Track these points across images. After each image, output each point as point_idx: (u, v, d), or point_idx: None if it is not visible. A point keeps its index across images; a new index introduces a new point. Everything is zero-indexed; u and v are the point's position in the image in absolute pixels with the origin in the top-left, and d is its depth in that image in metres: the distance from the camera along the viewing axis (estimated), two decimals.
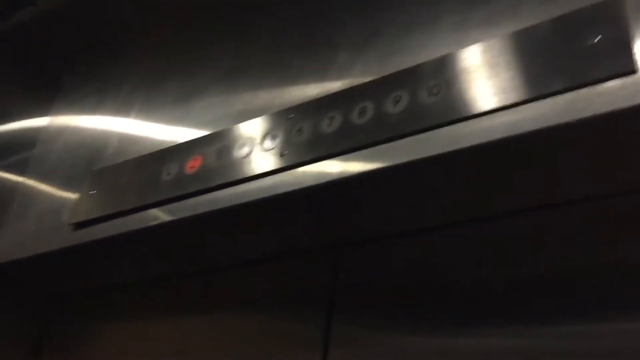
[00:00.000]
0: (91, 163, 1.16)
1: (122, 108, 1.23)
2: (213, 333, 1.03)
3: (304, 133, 0.85)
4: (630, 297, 0.72)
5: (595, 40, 0.67)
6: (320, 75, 0.93)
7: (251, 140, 0.91)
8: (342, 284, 0.93)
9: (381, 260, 0.93)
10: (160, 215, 0.93)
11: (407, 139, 0.75)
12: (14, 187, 1.30)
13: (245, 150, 0.90)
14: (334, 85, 0.89)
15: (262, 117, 0.93)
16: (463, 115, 0.72)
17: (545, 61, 0.69)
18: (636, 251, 0.74)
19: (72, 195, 1.14)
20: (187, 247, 1.02)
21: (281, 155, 0.85)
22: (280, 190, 0.82)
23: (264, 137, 0.90)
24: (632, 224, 0.75)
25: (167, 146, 1.04)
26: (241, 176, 0.88)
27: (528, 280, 0.80)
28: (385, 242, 0.93)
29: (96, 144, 1.20)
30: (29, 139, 1.39)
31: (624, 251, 0.75)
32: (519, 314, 0.79)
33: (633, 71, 0.62)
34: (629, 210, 0.75)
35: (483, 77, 0.73)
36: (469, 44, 0.77)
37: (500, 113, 0.69)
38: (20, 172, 1.33)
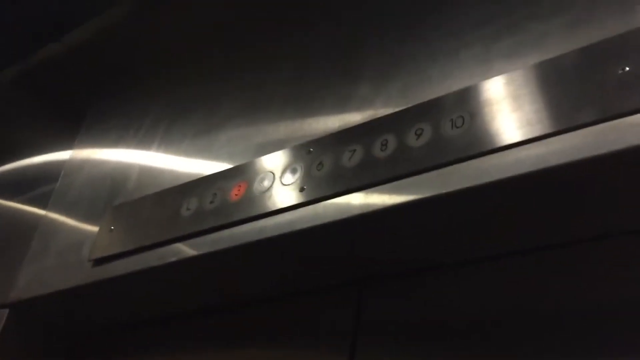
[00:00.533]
0: (112, 197, 1.16)
1: (143, 141, 1.24)
2: None
3: (324, 167, 0.83)
4: None
5: (624, 71, 0.64)
6: (341, 107, 0.92)
7: (271, 175, 0.89)
8: (364, 320, 0.90)
9: (404, 296, 0.90)
10: (180, 250, 0.92)
11: (430, 173, 0.73)
12: (36, 221, 1.30)
13: (264, 184, 0.89)
14: (355, 118, 0.88)
15: (282, 150, 0.92)
16: (488, 148, 0.70)
17: (572, 92, 0.67)
18: None
19: (93, 229, 1.13)
20: (207, 283, 1.00)
21: (301, 190, 0.84)
22: (300, 226, 0.81)
23: (283, 171, 0.88)
24: None
25: (187, 180, 1.03)
26: (261, 211, 0.86)
27: (557, 317, 0.77)
28: (407, 278, 0.90)
29: (117, 177, 1.20)
30: (51, 172, 1.41)
31: None
32: (549, 352, 0.75)
33: None
34: None
35: (508, 109, 0.71)
36: (493, 76, 0.75)
37: (527, 146, 0.67)
38: (42, 206, 1.33)
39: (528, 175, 0.65)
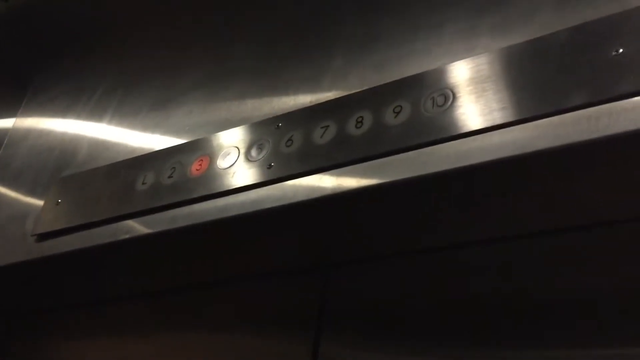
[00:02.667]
0: (59, 169, 1.08)
1: (94, 112, 1.15)
2: (192, 354, 0.95)
3: (294, 143, 0.78)
4: None
5: (618, 52, 0.61)
6: (313, 81, 0.86)
7: (235, 150, 0.84)
8: (330, 304, 0.86)
9: (371, 281, 0.86)
10: (134, 227, 0.86)
11: (407, 154, 0.69)
12: None
13: (228, 160, 0.83)
14: (328, 93, 0.83)
15: (248, 125, 0.86)
16: (471, 129, 0.66)
17: (562, 73, 0.64)
18: None
19: (37, 203, 1.05)
20: (163, 263, 0.94)
21: (268, 167, 0.78)
22: (267, 205, 0.75)
23: (249, 147, 0.83)
24: None
25: (143, 154, 0.96)
26: (224, 188, 0.80)
27: (522, 303, 0.75)
28: (375, 263, 0.87)
29: (65, 149, 1.12)
30: None
31: None
32: (509, 338, 0.74)
33: None
34: None
35: (493, 88, 0.67)
36: (478, 53, 0.71)
37: (513, 128, 0.63)
38: None
39: (514, 159, 0.62)
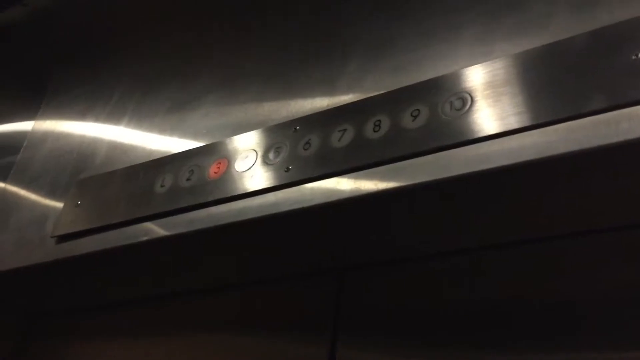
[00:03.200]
0: (78, 171, 1.09)
1: (112, 114, 1.17)
2: (208, 356, 0.96)
3: (312, 147, 0.79)
4: None
5: (637, 57, 0.61)
6: (329, 85, 0.87)
7: (254, 153, 0.84)
8: (347, 307, 0.86)
9: (387, 284, 0.87)
10: (153, 230, 0.87)
11: (425, 157, 0.69)
12: None
13: (246, 163, 0.84)
14: (344, 97, 0.83)
15: (266, 128, 0.86)
16: (489, 133, 0.66)
17: (580, 77, 0.64)
18: None
19: (56, 205, 1.07)
20: (181, 265, 0.95)
21: (286, 170, 0.79)
22: (285, 208, 0.76)
23: (267, 150, 0.83)
24: None
25: (161, 156, 0.97)
26: (242, 191, 0.81)
27: (537, 307, 0.75)
28: (392, 266, 0.87)
29: (84, 151, 1.13)
30: (13, 143, 1.32)
31: None
32: (524, 342, 0.74)
33: None
34: None
35: (511, 92, 0.67)
36: (495, 57, 0.71)
37: (532, 132, 0.64)
38: (2, 178, 1.25)
39: (533, 163, 0.62)
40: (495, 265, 0.80)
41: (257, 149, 0.84)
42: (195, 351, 0.99)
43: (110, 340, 1.10)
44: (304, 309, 0.90)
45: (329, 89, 0.86)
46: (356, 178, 0.73)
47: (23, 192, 1.17)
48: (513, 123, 0.65)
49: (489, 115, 0.67)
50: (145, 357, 1.03)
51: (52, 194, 1.10)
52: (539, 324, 0.73)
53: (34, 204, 1.12)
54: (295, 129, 0.83)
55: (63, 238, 0.97)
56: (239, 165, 0.84)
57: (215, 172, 0.86)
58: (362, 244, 0.84)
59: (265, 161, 0.82)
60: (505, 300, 0.77)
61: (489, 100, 0.68)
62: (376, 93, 0.79)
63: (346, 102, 0.82)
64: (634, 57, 0.61)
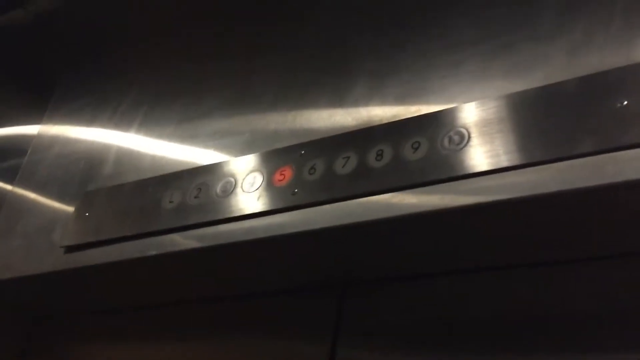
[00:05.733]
0: (86, 180, 1.13)
1: (120, 124, 1.20)
2: None
3: (317, 172, 0.83)
4: None
5: (622, 104, 0.66)
6: (334, 107, 0.91)
7: (260, 174, 0.88)
8: (347, 323, 0.91)
9: (385, 300, 0.92)
10: (162, 244, 0.91)
11: (424, 188, 0.74)
12: (1, 196, 1.25)
13: (253, 183, 0.88)
14: (348, 119, 0.88)
15: (273, 150, 0.91)
16: (485, 169, 0.70)
17: (571, 120, 0.68)
18: None
19: (64, 213, 1.10)
20: (187, 277, 0.99)
21: (293, 193, 0.83)
22: (292, 230, 0.80)
23: (274, 172, 0.87)
24: None
25: (169, 171, 1.01)
26: (249, 211, 0.85)
27: (534, 326, 0.80)
28: (389, 283, 0.92)
29: (92, 159, 1.17)
30: (18, 146, 1.35)
31: None
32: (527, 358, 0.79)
33: None
34: None
35: (507, 130, 0.72)
36: (492, 94, 0.76)
37: (524, 170, 0.68)
38: (9, 181, 1.28)
39: (525, 200, 0.67)
40: (493, 285, 0.84)
41: (264, 171, 0.88)
42: (197, 357, 1.03)
43: (114, 343, 1.14)
44: (305, 322, 0.94)
45: (334, 113, 0.90)
46: (359, 204, 0.77)
47: (31, 198, 1.20)
48: (506, 161, 0.69)
49: (485, 151, 0.72)
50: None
51: (60, 201, 1.14)
52: (538, 342, 0.77)
53: (41, 211, 1.15)
54: (301, 153, 0.87)
55: (72, 248, 1.01)
56: (246, 186, 0.88)
57: (223, 191, 0.90)
58: (363, 262, 0.88)
59: (272, 183, 0.86)
60: (504, 318, 0.82)
61: (486, 137, 0.73)
62: (379, 120, 0.84)
63: (350, 127, 0.86)
64: (619, 105, 0.66)
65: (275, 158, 0.89)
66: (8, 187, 1.27)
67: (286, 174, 0.86)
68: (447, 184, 0.72)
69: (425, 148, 0.76)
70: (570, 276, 0.79)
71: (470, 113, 0.76)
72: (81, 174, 1.15)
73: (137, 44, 1.32)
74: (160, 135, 1.11)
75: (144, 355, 1.08)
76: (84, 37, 1.37)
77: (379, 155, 0.79)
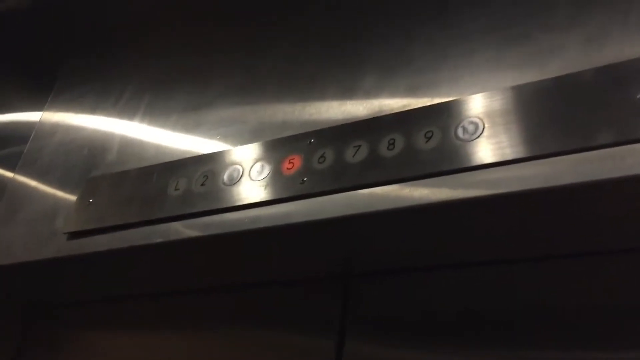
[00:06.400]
0: (89, 167, 1.12)
1: (124, 112, 1.19)
2: (213, 353, 1.00)
3: (326, 160, 0.82)
4: None
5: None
6: (344, 97, 0.89)
7: (268, 162, 0.87)
8: (353, 313, 0.90)
9: (393, 290, 0.91)
10: (167, 231, 0.89)
11: (437, 178, 0.73)
12: (2, 183, 1.24)
13: (261, 172, 0.87)
14: (359, 109, 0.86)
15: (281, 138, 0.89)
16: (499, 160, 0.69)
17: (588, 111, 0.67)
18: None
19: (66, 198, 1.09)
20: (192, 265, 0.98)
21: (301, 182, 0.82)
22: (300, 219, 0.79)
23: (282, 160, 0.86)
24: None
25: (173, 158, 0.99)
26: (256, 200, 0.84)
27: (540, 318, 0.79)
28: (397, 273, 0.91)
29: (95, 147, 1.15)
30: (20, 133, 1.34)
31: None
32: (530, 351, 0.78)
33: None
34: None
35: (522, 121, 0.71)
36: (505, 84, 0.75)
37: (538, 162, 0.67)
38: (11, 168, 1.27)
39: (540, 192, 0.66)
40: (499, 277, 0.84)
41: (272, 159, 0.87)
42: (200, 348, 1.02)
43: (114, 332, 1.13)
44: (312, 312, 0.93)
45: (344, 103, 0.89)
46: (370, 193, 0.76)
47: (33, 185, 1.19)
48: (521, 152, 0.68)
49: (500, 142, 0.70)
50: (151, 350, 1.07)
51: (62, 188, 1.12)
52: (543, 334, 0.77)
53: (44, 197, 1.14)
54: (310, 141, 0.86)
55: (75, 235, 1.00)
56: (253, 174, 0.87)
57: (229, 179, 0.89)
58: (371, 252, 0.87)
59: (280, 171, 0.85)
60: (508, 310, 0.81)
61: (500, 128, 0.71)
62: (390, 110, 0.83)
63: (360, 117, 0.85)
64: (639, 96, 0.65)
65: (283, 146, 0.88)
66: (10, 174, 1.26)
67: (295, 163, 0.84)
68: (459, 174, 0.71)
69: (438, 138, 0.75)
70: (581, 270, 0.78)
71: (485, 103, 0.75)
72: (84, 162, 1.14)
73: (141, 30, 1.30)
74: (164, 123, 1.09)
75: (145, 344, 1.07)
76: (88, 24, 1.35)
77: (391, 144, 0.78)
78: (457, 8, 0.88)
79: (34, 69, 1.49)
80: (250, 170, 0.88)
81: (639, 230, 0.71)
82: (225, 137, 0.98)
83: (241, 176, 0.88)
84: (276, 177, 0.85)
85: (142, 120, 1.14)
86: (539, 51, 0.76)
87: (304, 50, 1.01)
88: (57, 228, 1.03)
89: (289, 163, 0.85)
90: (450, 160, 0.73)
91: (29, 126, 1.35)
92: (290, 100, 0.96)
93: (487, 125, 0.72)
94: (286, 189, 0.83)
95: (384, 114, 0.83)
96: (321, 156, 0.83)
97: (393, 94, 0.85)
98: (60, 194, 1.12)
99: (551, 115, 0.69)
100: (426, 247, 0.83)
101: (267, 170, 0.86)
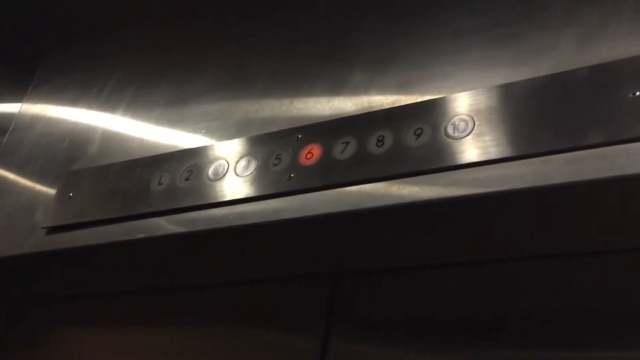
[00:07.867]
0: (69, 161, 1.09)
1: (106, 105, 1.16)
2: (199, 351, 0.98)
3: (314, 156, 0.80)
4: None
5: (634, 95, 0.64)
6: (332, 93, 0.88)
7: (254, 158, 0.85)
8: (339, 312, 0.89)
9: (380, 291, 0.90)
10: (150, 227, 0.87)
11: (425, 176, 0.72)
12: None
13: (247, 167, 0.85)
14: (347, 105, 0.85)
15: (268, 133, 0.88)
16: (489, 158, 0.68)
17: (580, 110, 0.67)
18: None
19: (45, 191, 1.07)
20: (175, 262, 0.96)
21: (288, 178, 0.80)
22: (286, 216, 0.77)
23: (269, 156, 0.84)
24: None
25: (157, 152, 0.97)
26: (241, 196, 0.82)
27: (527, 318, 0.79)
28: (385, 275, 0.90)
29: (76, 140, 1.13)
30: (0, 124, 1.30)
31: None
32: (518, 351, 0.78)
33: None
34: None
35: (512, 119, 0.70)
36: (497, 82, 0.74)
37: (529, 160, 0.66)
38: None
39: (530, 191, 0.65)
40: (486, 277, 0.83)
41: (258, 154, 0.85)
42: (185, 345, 1.00)
43: (95, 329, 1.11)
44: (297, 311, 0.92)
45: (333, 98, 0.87)
46: (358, 191, 0.75)
47: (11, 178, 1.16)
48: (511, 150, 0.67)
49: (490, 140, 0.69)
50: (132, 346, 1.05)
51: (41, 182, 1.10)
52: (532, 334, 0.77)
53: (22, 190, 1.11)
54: (297, 137, 0.84)
55: (54, 229, 0.97)
56: (239, 169, 0.85)
57: (214, 174, 0.87)
58: (358, 251, 0.86)
59: (266, 167, 0.83)
60: (496, 310, 0.81)
61: (491, 126, 0.71)
62: (380, 107, 0.81)
63: (349, 113, 0.83)
64: (631, 96, 0.64)
65: (270, 141, 0.86)
66: None
67: (282, 158, 0.83)
68: (449, 172, 0.70)
69: (428, 135, 0.74)
70: (573, 270, 0.77)
71: (476, 100, 0.73)
72: (64, 154, 1.11)
73: (125, 21, 1.27)
74: (148, 116, 1.07)
75: (127, 342, 1.05)
76: (70, 13, 1.32)
77: (380, 141, 0.77)
78: (448, 4, 0.87)
79: (13, 59, 1.45)
80: (235, 165, 0.86)
81: (630, 230, 0.70)
82: (210, 132, 0.96)
83: (226, 171, 0.86)
84: (262, 173, 0.83)
85: (125, 112, 1.11)
86: (531, 49, 0.76)
87: (292, 45, 0.99)
88: (36, 222, 1.01)
89: (276, 159, 0.83)
90: (440, 158, 0.71)
91: (8, 117, 1.31)
92: (278, 95, 0.94)
93: (478, 123, 0.71)
94: (273, 185, 0.81)
95: (373, 110, 0.81)
96: (309, 152, 0.81)
97: (383, 90, 0.84)
98: (39, 187, 1.09)
99: (542, 113, 0.69)
100: (414, 246, 0.82)
101: (253, 166, 0.85)
